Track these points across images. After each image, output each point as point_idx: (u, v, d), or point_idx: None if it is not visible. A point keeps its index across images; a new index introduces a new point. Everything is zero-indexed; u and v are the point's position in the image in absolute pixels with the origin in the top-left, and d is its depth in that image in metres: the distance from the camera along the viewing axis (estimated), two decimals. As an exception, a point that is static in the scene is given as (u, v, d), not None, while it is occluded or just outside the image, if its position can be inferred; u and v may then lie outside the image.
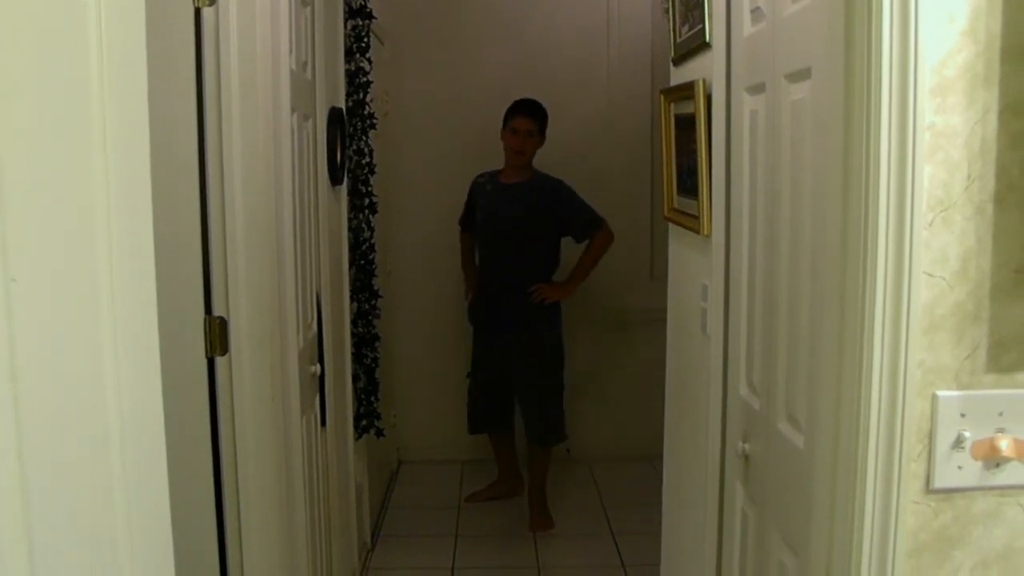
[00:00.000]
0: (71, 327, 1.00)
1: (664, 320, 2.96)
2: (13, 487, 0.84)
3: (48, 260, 0.94)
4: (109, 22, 1.05)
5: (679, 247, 2.79)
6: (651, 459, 4.16)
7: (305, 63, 2.95)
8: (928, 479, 1.39)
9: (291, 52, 2.67)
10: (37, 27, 0.92)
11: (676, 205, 2.71)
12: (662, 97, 2.78)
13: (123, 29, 1.10)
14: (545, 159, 5.05)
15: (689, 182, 2.50)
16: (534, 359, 4.49)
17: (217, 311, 2.24)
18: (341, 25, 3.50)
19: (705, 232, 2.34)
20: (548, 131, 4.42)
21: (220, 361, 2.26)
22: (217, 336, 2.23)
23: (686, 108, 2.48)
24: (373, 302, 4.00)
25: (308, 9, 3.00)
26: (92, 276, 1.04)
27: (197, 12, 2.16)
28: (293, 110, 2.67)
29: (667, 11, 2.79)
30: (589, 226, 4.43)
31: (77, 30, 1.00)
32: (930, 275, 1.34)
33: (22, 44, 0.88)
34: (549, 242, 4.49)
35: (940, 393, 1.37)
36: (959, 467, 1.38)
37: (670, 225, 2.85)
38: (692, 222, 2.46)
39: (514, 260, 4.44)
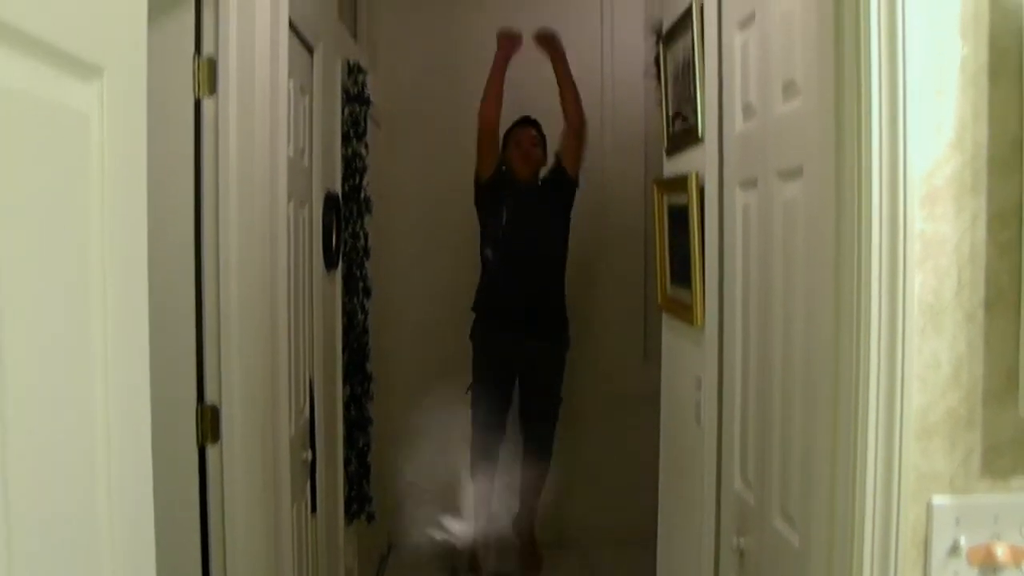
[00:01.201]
0: (63, 415, 0.99)
1: (658, 402, 2.96)
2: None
3: (42, 345, 0.94)
4: (112, 115, 1.07)
5: (673, 337, 2.80)
6: (644, 542, 4.11)
7: (303, 150, 2.98)
8: (925, 586, 1.38)
9: (289, 140, 2.70)
10: (39, 113, 0.93)
11: (670, 294, 2.72)
12: (655, 187, 2.82)
13: (125, 121, 1.12)
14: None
15: (682, 272, 2.51)
16: (551, 370, 4.62)
17: (210, 399, 2.23)
18: (339, 111, 3.55)
19: (698, 324, 2.35)
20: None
21: (211, 449, 2.24)
22: (209, 424, 2.22)
23: (679, 199, 2.51)
24: (366, 385, 3.99)
25: (306, 97, 3.05)
26: (86, 363, 1.04)
27: (197, 103, 2.19)
28: (290, 197, 2.69)
29: (660, 104, 2.83)
30: None
31: (79, 124, 1.01)
32: (923, 380, 1.35)
33: (21, 125, 0.89)
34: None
35: (935, 499, 1.36)
36: (955, 574, 1.37)
37: (664, 314, 2.86)
38: (686, 312, 2.47)
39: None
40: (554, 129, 4.68)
